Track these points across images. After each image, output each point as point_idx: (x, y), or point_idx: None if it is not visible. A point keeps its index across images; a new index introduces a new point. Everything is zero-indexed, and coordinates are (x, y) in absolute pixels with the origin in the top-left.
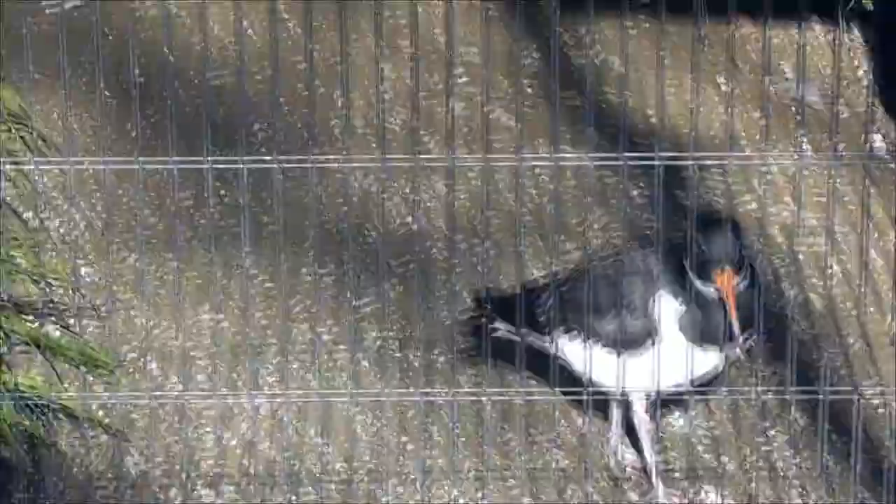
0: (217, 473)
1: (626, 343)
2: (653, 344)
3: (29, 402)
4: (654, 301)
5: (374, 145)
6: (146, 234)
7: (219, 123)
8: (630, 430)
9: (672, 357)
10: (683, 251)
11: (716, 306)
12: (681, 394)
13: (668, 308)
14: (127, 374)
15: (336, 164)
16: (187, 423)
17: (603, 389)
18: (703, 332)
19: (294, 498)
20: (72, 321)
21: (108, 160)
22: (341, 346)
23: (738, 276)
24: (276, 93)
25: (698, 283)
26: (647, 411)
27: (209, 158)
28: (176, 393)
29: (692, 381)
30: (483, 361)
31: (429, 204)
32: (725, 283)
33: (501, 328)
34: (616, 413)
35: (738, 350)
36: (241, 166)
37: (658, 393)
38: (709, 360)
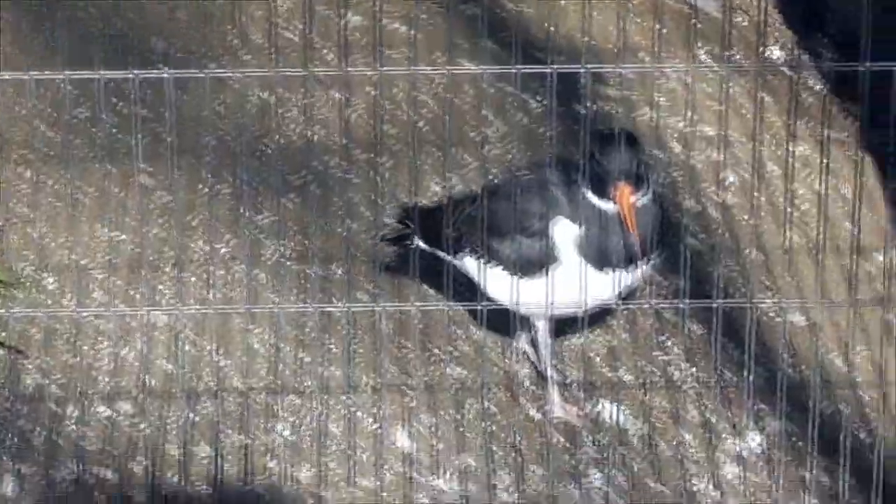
0: (114, 389)
1: (524, 266)
2: (548, 268)
3: None
4: (552, 225)
5: (271, 58)
6: (42, 148)
7: (116, 37)
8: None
9: (572, 281)
10: (577, 166)
11: (616, 226)
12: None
13: (565, 232)
14: (23, 289)
15: (230, 75)
16: (84, 338)
17: (497, 304)
18: (602, 254)
19: (191, 413)
20: None
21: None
22: (238, 261)
23: (636, 190)
24: (172, 5)
25: (596, 200)
26: (547, 330)
27: (101, 72)
28: (72, 308)
29: (616, 298)
30: (379, 275)
31: (326, 116)
32: (624, 199)
33: (419, 243)
34: (518, 327)
35: (641, 269)
36: (132, 75)
37: (552, 317)
38: (611, 281)
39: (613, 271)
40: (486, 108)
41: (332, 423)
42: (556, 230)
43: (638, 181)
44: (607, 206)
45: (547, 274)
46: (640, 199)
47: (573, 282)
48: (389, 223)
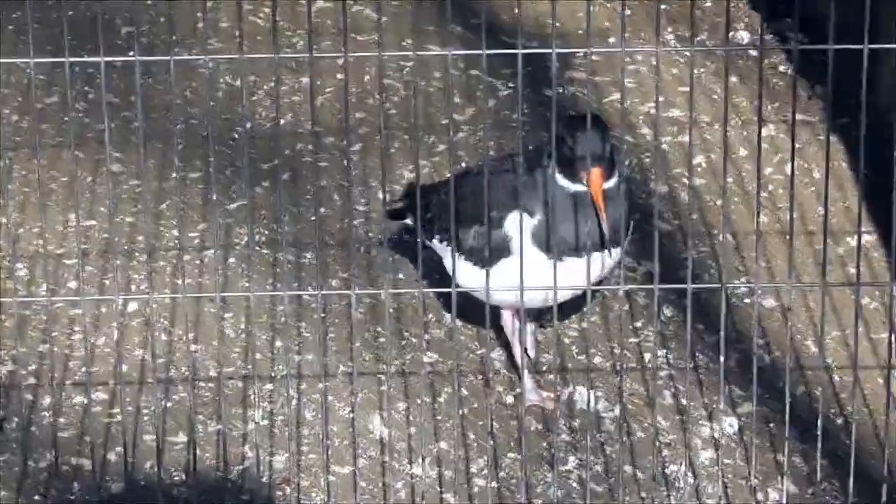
0: (87, 376)
1: (483, 257)
2: (503, 260)
3: None
4: (507, 216)
5: (240, 43)
6: (12, 137)
7: (86, 24)
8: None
9: (531, 272)
10: (547, 150)
11: (587, 209)
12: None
13: (523, 224)
14: None
15: (198, 60)
16: (56, 326)
17: (468, 290)
18: (568, 241)
19: (166, 400)
20: None
21: None
22: (209, 247)
23: (607, 174)
24: None
25: (566, 184)
26: (513, 317)
27: (69, 58)
28: (44, 296)
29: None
30: (353, 260)
31: (296, 102)
32: (595, 182)
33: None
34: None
35: (612, 253)
36: (100, 60)
37: (523, 305)
38: (582, 267)
39: (585, 256)
40: (454, 92)
41: (306, 410)
42: (508, 222)
43: (609, 165)
44: (578, 189)
45: (497, 264)
46: (610, 183)
47: (533, 273)
48: (393, 200)
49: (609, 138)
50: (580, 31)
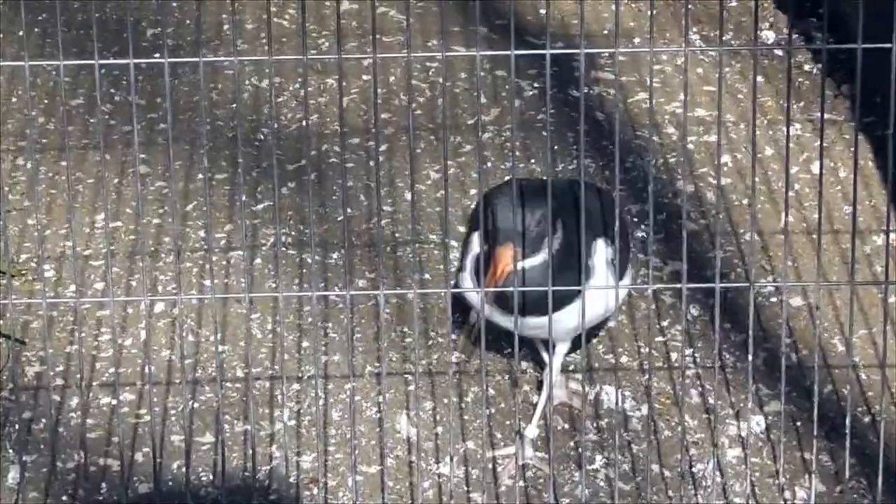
0: (115, 377)
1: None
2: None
3: None
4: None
5: (268, 44)
6: (38, 139)
7: (111, 26)
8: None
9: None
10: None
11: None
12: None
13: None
14: (22, 279)
15: (223, 61)
16: (84, 327)
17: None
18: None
19: (192, 400)
20: None
21: None
22: (236, 248)
23: (525, 253)
24: None
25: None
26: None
27: (98, 60)
28: (71, 297)
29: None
30: (380, 260)
31: (321, 103)
32: (499, 261)
33: None
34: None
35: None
36: (130, 62)
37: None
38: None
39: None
40: (480, 93)
41: (333, 410)
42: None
43: (531, 241)
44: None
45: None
46: (535, 261)
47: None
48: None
49: (535, 212)
50: (605, 32)
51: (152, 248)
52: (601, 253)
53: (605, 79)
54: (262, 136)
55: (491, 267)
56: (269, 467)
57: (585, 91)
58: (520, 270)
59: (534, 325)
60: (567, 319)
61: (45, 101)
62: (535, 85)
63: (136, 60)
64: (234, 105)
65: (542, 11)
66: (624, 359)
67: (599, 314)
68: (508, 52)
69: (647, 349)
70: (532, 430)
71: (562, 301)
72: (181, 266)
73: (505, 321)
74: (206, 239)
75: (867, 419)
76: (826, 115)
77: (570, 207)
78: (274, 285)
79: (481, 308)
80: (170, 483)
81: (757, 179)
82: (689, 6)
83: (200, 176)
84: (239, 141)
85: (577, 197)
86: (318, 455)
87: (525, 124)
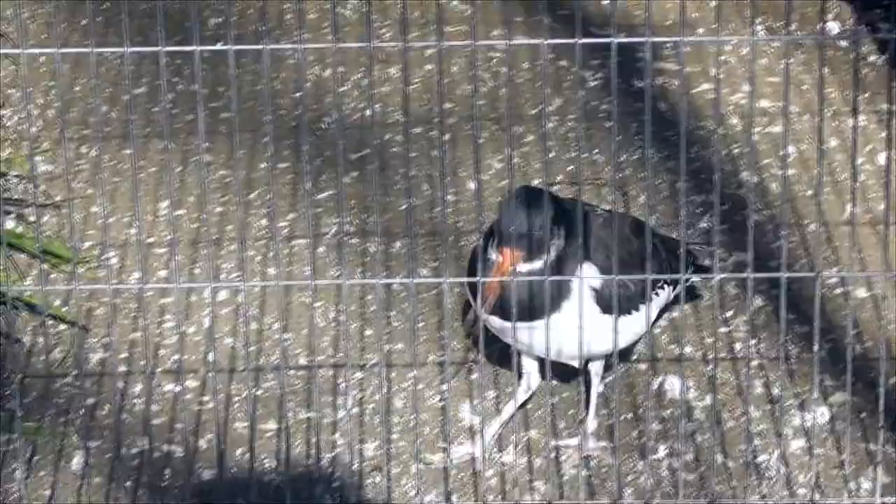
0: (179, 364)
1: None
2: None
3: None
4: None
5: (334, 32)
6: (102, 127)
7: (174, 16)
8: None
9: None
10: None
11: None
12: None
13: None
14: (86, 266)
15: (286, 50)
16: (147, 314)
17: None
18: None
19: (256, 388)
20: (30, 215)
21: (63, 49)
22: (299, 236)
23: (528, 257)
24: None
25: (493, 255)
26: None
27: (164, 47)
28: (135, 283)
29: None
30: (443, 249)
31: (383, 91)
32: (499, 264)
33: None
34: None
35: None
36: (195, 48)
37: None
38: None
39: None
40: (546, 82)
41: (396, 398)
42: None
43: (533, 246)
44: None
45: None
46: (534, 265)
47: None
48: None
49: (536, 217)
50: (667, 23)
51: (216, 236)
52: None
53: (668, 69)
54: (324, 126)
55: (493, 269)
56: (332, 455)
57: (648, 82)
58: (521, 274)
59: (519, 330)
60: (539, 335)
61: (109, 90)
62: (598, 75)
63: (202, 48)
64: (298, 94)
65: (606, 2)
66: (688, 349)
67: (598, 343)
68: (573, 41)
69: (713, 339)
70: (591, 423)
71: (538, 312)
72: (244, 254)
73: (497, 324)
74: (269, 227)
75: None
76: (893, 106)
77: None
78: (337, 274)
79: (476, 307)
80: (233, 470)
81: (820, 170)
82: None
83: (263, 164)
84: (302, 130)
85: (596, 221)
86: (380, 443)
87: (588, 114)
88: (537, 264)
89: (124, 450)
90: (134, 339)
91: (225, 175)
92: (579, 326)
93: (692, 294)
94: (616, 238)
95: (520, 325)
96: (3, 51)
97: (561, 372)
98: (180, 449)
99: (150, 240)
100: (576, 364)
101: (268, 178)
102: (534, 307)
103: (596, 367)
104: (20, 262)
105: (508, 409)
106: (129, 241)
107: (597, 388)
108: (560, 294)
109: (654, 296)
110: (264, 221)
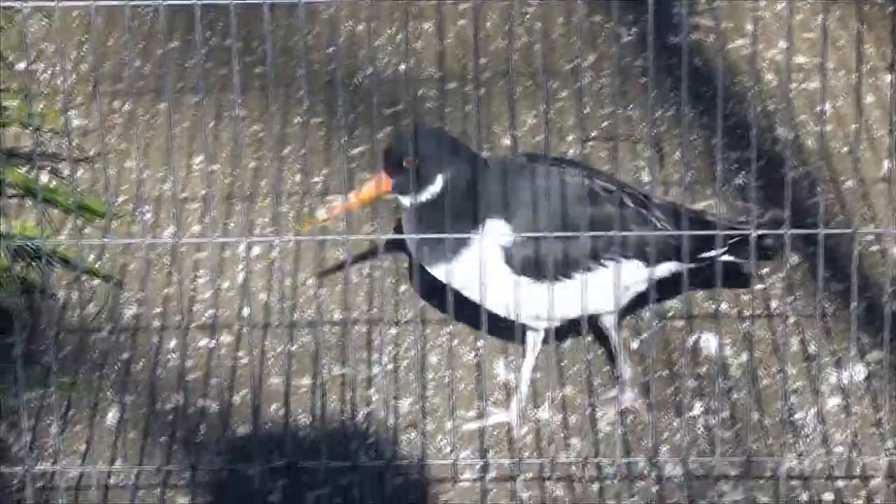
0: (213, 319)
1: None
2: None
3: (23, 247)
4: None
5: None
6: (136, 82)
7: None
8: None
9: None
10: None
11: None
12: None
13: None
14: (120, 221)
15: (323, 4)
16: (181, 269)
17: None
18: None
19: (291, 343)
20: (64, 169)
21: (98, 2)
22: (333, 191)
23: (392, 182)
24: None
25: None
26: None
27: (199, 1)
28: (170, 238)
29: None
30: None
31: (416, 46)
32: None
33: None
34: None
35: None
36: (230, 2)
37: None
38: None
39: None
40: (577, 38)
41: (431, 354)
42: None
43: (407, 179)
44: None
45: None
46: (421, 197)
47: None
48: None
49: (412, 144)
50: None
51: (249, 191)
52: (491, 233)
53: (703, 25)
54: (358, 81)
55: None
56: (367, 411)
57: (684, 37)
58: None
59: (434, 272)
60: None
61: (142, 44)
62: (633, 31)
63: (236, 1)
64: (331, 49)
65: None
66: (724, 306)
67: (526, 307)
68: None
69: (748, 296)
70: (625, 372)
71: (433, 258)
72: (278, 209)
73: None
74: (302, 182)
75: None
76: None
77: (494, 178)
78: (371, 229)
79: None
80: (268, 426)
81: (858, 126)
82: None
83: (297, 119)
84: (336, 85)
85: (528, 178)
86: (415, 399)
87: (623, 70)
88: (408, 200)
89: (159, 405)
90: (168, 293)
91: (258, 130)
92: (481, 283)
93: (734, 272)
94: (551, 196)
95: (429, 267)
96: (36, 3)
97: (595, 328)
98: (215, 404)
99: (184, 195)
100: (538, 325)
101: (301, 134)
102: (428, 250)
103: (605, 322)
104: (54, 217)
105: (525, 368)
106: (162, 196)
107: (614, 341)
108: (457, 244)
109: (599, 266)
110: (298, 177)
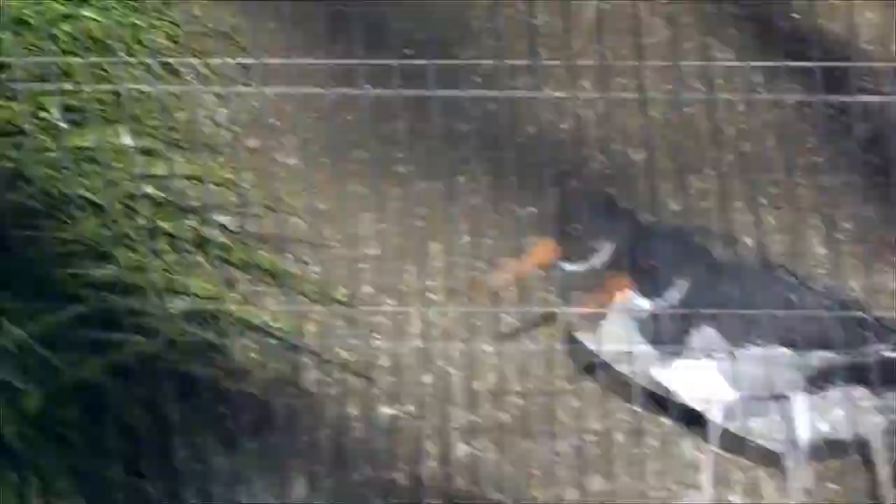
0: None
1: None
2: None
3: (272, 340)
4: None
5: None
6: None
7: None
8: None
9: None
10: None
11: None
12: None
13: None
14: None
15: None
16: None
17: None
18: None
19: (473, 415)
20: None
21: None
22: (504, 253)
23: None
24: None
25: None
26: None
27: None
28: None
29: None
30: None
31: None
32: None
33: None
34: None
35: None
36: (393, 64)
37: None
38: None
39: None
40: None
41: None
42: None
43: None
44: None
45: None
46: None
47: None
48: None
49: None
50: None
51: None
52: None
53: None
54: (521, 139)
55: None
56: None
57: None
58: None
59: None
60: None
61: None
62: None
63: (435, 63)
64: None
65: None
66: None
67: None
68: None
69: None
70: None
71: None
72: (452, 275)
73: None
74: (471, 242)
75: None
76: None
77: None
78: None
79: None
80: (457, 500)
81: None
82: None
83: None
84: (500, 143)
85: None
86: (605, 477)
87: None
88: (575, 267)
89: (347, 475)
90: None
91: (425, 187)
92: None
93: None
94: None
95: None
96: (274, 88)
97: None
98: (402, 476)
99: (356, 254)
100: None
101: (466, 191)
102: None
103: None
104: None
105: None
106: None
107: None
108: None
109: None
110: (466, 238)
